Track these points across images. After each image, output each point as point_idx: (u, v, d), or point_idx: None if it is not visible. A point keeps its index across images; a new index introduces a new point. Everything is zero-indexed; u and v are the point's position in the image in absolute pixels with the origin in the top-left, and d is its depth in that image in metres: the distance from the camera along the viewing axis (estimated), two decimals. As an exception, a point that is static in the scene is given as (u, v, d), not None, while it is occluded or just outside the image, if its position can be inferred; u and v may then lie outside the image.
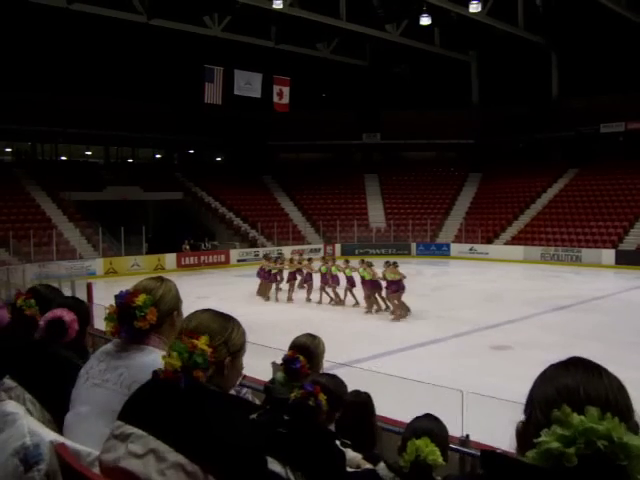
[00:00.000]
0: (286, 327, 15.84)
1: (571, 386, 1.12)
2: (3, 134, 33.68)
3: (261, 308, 18.66)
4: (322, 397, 2.55)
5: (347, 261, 19.56)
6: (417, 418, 2.90)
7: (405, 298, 16.99)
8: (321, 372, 3.25)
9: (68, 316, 2.73)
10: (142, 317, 2.15)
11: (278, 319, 16.21)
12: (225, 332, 1.84)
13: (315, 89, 42.03)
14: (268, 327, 15.20)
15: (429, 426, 2.76)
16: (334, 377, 2.98)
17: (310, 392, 2.54)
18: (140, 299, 2.17)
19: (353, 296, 18.79)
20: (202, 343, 1.69)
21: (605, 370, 1.17)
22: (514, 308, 18.10)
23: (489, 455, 1.11)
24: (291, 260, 21.57)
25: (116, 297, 2.23)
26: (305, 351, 3.23)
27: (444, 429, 2.88)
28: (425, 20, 32.49)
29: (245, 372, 2.09)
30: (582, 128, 36.69)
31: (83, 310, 3.05)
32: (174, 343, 1.70)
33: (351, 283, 18.74)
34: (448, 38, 36.90)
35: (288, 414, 2.51)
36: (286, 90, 33.63)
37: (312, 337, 3.38)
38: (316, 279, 19.73)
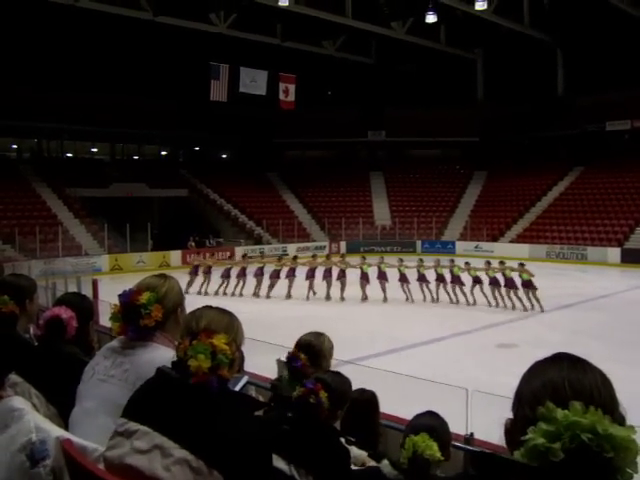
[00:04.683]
0: (291, 324, 15.84)
1: (556, 381, 1.12)
2: (9, 131, 33.68)
3: (266, 305, 18.68)
4: (323, 395, 2.55)
5: (364, 257, 20.24)
6: (417, 415, 2.89)
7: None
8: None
9: (66, 314, 2.73)
10: (147, 315, 2.16)
11: (283, 316, 16.19)
12: (233, 329, 1.85)
13: (321, 87, 42.01)
14: (273, 324, 15.24)
15: (428, 422, 2.76)
16: (338, 374, 2.96)
17: (311, 390, 2.54)
18: (144, 297, 2.18)
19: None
20: (222, 342, 1.70)
21: (589, 363, 1.18)
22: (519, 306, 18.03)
23: (479, 456, 1.11)
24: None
25: (120, 296, 2.23)
26: (309, 349, 3.21)
27: (444, 425, 2.87)
28: (431, 18, 32.48)
29: (250, 369, 2.10)
30: (588, 126, 36.56)
31: (85, 306, 3.03)
32: (196, 345, 1.68)
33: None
34: (454, 36, 36.79)
35: (291, 411, 2.51)
36: (292, 88, 33.65)
37: (317, 335, 3.35)
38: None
